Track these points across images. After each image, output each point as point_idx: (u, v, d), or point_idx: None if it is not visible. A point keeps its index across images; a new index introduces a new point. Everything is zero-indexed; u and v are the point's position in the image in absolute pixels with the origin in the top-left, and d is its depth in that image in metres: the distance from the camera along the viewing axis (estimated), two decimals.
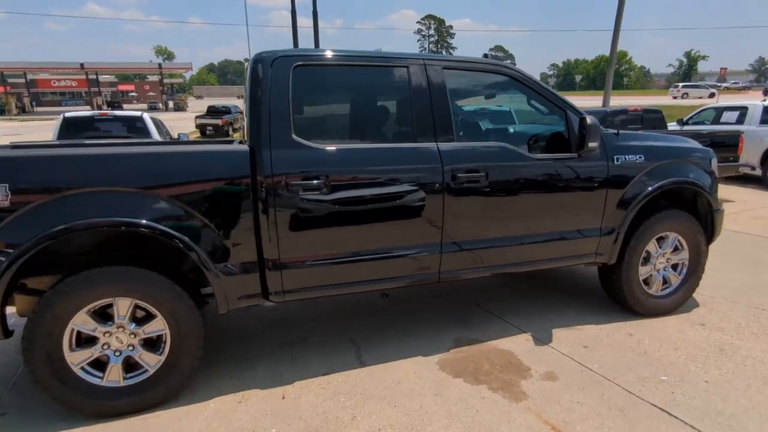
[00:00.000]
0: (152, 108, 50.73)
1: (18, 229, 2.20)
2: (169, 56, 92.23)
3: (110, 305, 2.41)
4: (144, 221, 2.32)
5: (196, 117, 25.45)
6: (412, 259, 2.87)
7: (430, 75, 2.89)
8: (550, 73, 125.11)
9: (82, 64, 46.08)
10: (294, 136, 2.60)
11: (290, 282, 2.68)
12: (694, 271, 3.64)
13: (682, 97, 42.61)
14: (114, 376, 2.46)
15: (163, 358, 2.53)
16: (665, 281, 3.62)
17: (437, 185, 2.81)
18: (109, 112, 9.10)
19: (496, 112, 4.73)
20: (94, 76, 51.34)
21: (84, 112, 9.17)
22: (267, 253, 2.59)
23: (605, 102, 15.32)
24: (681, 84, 50.58)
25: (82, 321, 2.37)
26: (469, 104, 5.18)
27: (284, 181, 2.54)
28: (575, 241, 3.25)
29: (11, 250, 2.18)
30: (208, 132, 24.36)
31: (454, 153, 2.86)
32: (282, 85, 2.62)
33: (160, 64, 47.45)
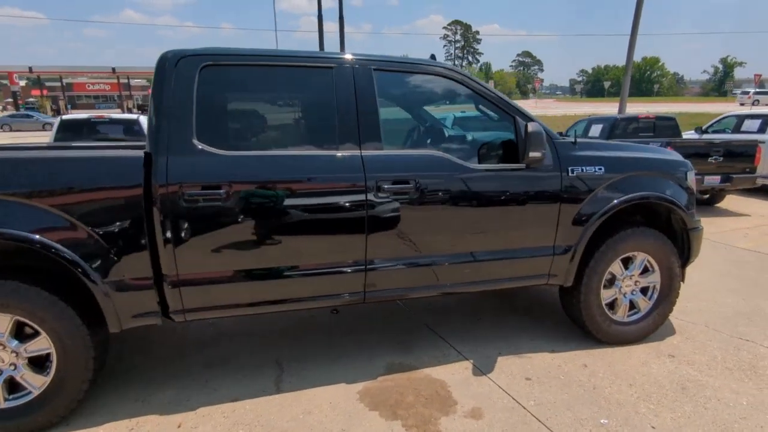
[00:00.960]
0: None
1: None
2: None
3: None
4: (14, 232, 2.15)
5: None
6: (332, 276, 2.63)
7: (357, 77, 2.65)
8: (580, 79, 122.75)
9: (113, 69, 47.45)
10: (195, 142, 2.39)
11: (191, 300, 2.47)
12: (666, 296, 3.27)
13: (753, 104, 39.53)
14: None
15: (48, 378, 2.35)
16: (633, 306, 3.26)
17: (360, 197, 2.56)
18: (105, 114, 9.18)
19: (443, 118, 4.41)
20: (127, 80, 52.94)
21: (80, 114, 9.26)
22: (164, 268, 2.39)
23: (621, 109, 14.71)
24: (752, 90, 47.52)
25: None
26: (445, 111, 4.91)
27: (181, 190, 2.33)
28: (524, 261, 2.94)
29: None
30: None
31: (380, 162, 2.61)
32: (186, 87, 2.42)
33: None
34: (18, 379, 2.33)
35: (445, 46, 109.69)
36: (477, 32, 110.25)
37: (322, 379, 2.79)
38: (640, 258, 3.17)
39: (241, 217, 2.42)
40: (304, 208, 2.52)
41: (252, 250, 2.49)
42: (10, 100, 46.19)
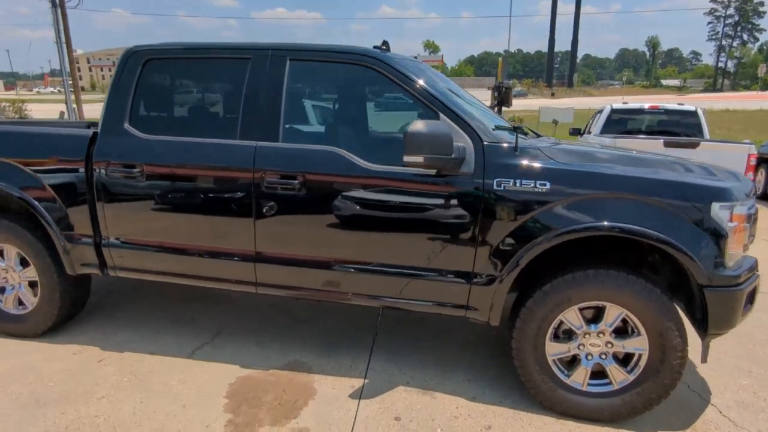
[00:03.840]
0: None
1: None
2: (434, 50, 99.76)
3: None
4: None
5: None
6: (226, 261, 2.74)
7: (270, 67, 2.64)
8: None
9: None
10: (126, 126, 2.79)
11: (118, 260, 2.92)
12: (653, 374, 2.32)
13: None
14: None
15: (36, 300, 3.12)
16: (602, 374, 2.43)
17: (247, 188, 2.58)
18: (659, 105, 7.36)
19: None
20: None
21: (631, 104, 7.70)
22: (101, 230, 2.88)
23: None
24: None
25: None
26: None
27: (109, 165, 2.77)
28: (431, 283, 2.49)
29: None
30: None
31: (271, 154, 2.56)
32: (129, 78, 2.82)
33: (416, 57, 51.77)
34: (20, 296, 3.17)
35: (710, 23, 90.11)
36: (761, 2, 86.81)
37: (228, 357, 2.95)
38: (614, 312, 2.32)
39: (150, 194, 2.74)
40: (202, 192, 2.69)
41: (159, 224, 2.79)
42: None
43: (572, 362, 2.46)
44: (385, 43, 2.83)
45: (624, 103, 7.69)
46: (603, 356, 2.40)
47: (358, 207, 2.49)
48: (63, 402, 2.50)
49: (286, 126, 2.60)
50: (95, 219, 2.87)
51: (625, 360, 2.41)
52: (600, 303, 2.32)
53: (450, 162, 2.29)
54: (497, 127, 2.52)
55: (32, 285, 3.15)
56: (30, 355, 2.96)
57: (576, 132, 9.09)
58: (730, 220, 2.23)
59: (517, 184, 2.30)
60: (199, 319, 3.45)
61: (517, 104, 40.19)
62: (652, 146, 6.27)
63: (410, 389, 2.64)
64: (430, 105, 2.45)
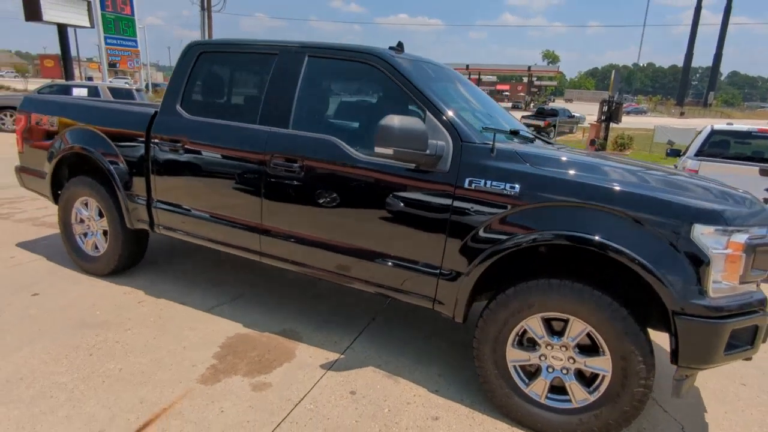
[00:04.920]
0: (514, 107, 54.72)
1: None
2: (553, 60, 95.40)
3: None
4: (86, 145, 3.57)
5: (522, 117, 26.34)
6: (241, 231, 3.10)
7: (290, 62, 2.96)
8: None
9: (467, 66, 54.00)
10: (178, 107, 3.30)
11: (160, 219, 3.45)
12: (615, 397, 2.20)
13: None
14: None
15: (106, 245, 3.81)
16: (560, 389, 2.35)
17: (259, 168, 2.92)
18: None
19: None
20: (478, 76, 59.27)
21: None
22: (152, 192, 3.44)
23: None
24: None
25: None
26: None
27: (161, 139, 3.30)
28: (404, 272, 2.60)
29: None
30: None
31: (279, 139, 2.87)
32: (185, 67, 3.34)
33: (529, 67, 50.33)
34: (96, 241, 3.88)
35: None
36: None
37: (237, 317, 3.33)
38: (578, 327, 2.24)
39: (186, 165, 3.21)
40: (227, 168, 3.08)
41: (192, 192, 3.25)
42: None
43: (534, 372, 2.41)
44: (399, 44, 2.99)
45: (728, 124, 6.83)
46: (564, 371, 2.33)
47: (345, 193, 2.69)
48: (100, 327, 3.06)
49: (297, 115, 2.89)
50: (148, 183, 3.43)
51: (588, 379, 2.31)
52: (563, 315, 2.25)
53: (424, 158, 2.39)
54: (485, 129, 2.55)
55: (104, 233, 3.84)
56: (93, 289, 3.62)
57: (674, 153, 8.24)
58: (723, 247, 2.04)
59: (488, 185, 2.33)
60: (228, 283, 3.90)
61: (633, 121, 36.93)
62: (745, 173, 5.56)
63: (378, 371, 2.78)
64: (420, 103, 2.57)
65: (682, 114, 54.69)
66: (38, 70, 78.19)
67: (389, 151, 2.32)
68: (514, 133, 2.75)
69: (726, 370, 3.18)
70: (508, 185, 2.29)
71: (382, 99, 2.86)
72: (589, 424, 2.26)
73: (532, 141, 2.94)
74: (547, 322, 2.32)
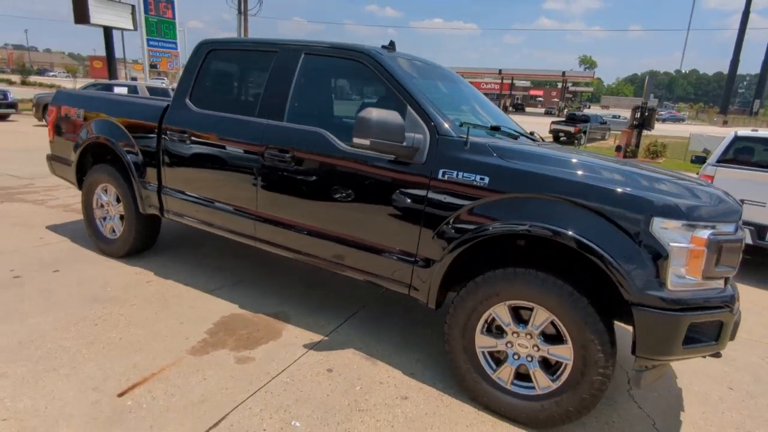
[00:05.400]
0: (547, 113, 53.86)
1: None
2: (590, 65, 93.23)
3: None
4: (106, 135, 3.87)
5: (552, 122, 25.93)
6: (238, 216, 3.30)
7: (287, 60, 3.14)
8: None
9: (500, 71, 53.50)
10: (186, 101, 3.54)
11: (169, 205, 3.69)
12: (575, 385, 2.26)
13: None
14: None
15: (122, 228, 4.09)
16: (524, 376, 2.42)
17: (255, 158, 3.12)
18: None
19: None
20: (511, 81, 58.58)
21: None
22: (162, 179, 3.69)
23: None
24: None
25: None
26: None
27: (171, 130, 3.54)
28: (383, 259, 2.73)
29: None
30: (560, 138, 24.30)
31: (273, 131, 3.05)
32: (195, 64, 3.57)
33: (563, 73, 49.44)
34: (113, 225, 4.17)
35: None
36: None
37: (234, 299, 3.53)
38: (542, 316, 2.31)
39: (192, 155, 3.44)
40: (227, 157, 3.29)
41: (196, 180, 3.48)
42: None
43: (502, 359, 2.49)
44: (391, 43, 3.13)
45: (753, 130, 6.62)
46: (529, 358, 2.40)
47: (330, 182, 2.84)
48: (108, 302, 3.31)
49: (291, 108, 3.06)
50: (159, 171, 3.68)
51: (552, 367, 2.37)
52: (528, 303, 2.33)
53: (401, 149, 2.52)
54: (463, 124, 2.65)
55: (121, 218, 4.13)
56: (108, 269, 3.91)
57: (699, 160, 8.03)
58: (684, 241, 2.09)
59: (459, 176, 2.44)
60: (232, 268, 4.12)
61: (670, 129, 35.67)
62: (762, 179, 5.42)
63: (358, 353, 2.91)
64: (402, 98, 2.69)
65: (725, 123, 52.41)
66: (88, 71, 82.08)
67: (366, 141, 2.46)
68: (495, 129, 2.83)
69: (716, 373, 3.17)
70: (478, 177, 2.39)
71: (370, 94, 3.00)
72: (550, 411, 2.33)
73: (515, 138, 3.02)
74: (514, 311, 2.40)
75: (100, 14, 19.83)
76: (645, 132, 18.87)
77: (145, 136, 3.73)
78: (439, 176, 2.48)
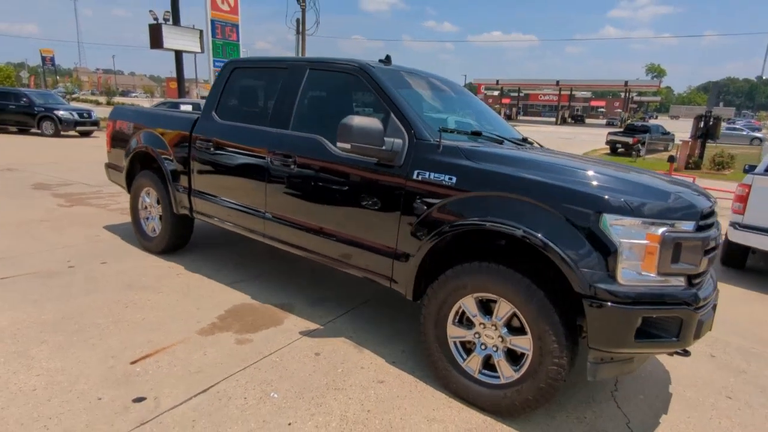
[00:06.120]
0: (609, 123, 51.73)
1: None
2: (659, 73, 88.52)
3: None
4: (149, 144, 4.40)
5: (609, 133, 24.98)
6: (250, 216, 3.67)
7: (295, 74, 3.49)
8: None
9: (557, 81, 52.20)
10: (213, 113, 3.99)
11: (197, 206, 4.14)
12: (533, 373, 2.37)
13: None
14: None
15: (160, 227, 4.61)
16: (491, 365, 2.56)
17: (265, 163, 3.48)
18: None
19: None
20: (570, 92, 56.94)
21: None
22: (192, 183, 4.16)
23: None
24: None
25: None
26: None
27: (198, 139, 4.00)
28: (369, 254, 2.96)
29: None
30: (618, 149, 23.36)
31: (278, 139, 3.40)
32: (222, 80, 4.03)
33: (626, 82, 47.40)
34: (154, 224, 4.70)
35: None
36: None
37: (248, 291, 3.88)
38: (505, 307, 2.45)
39: (214, 160, 3.86)
40: (244, 162, 3.68)
41: (217, 183, 3.90)
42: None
43: (472, 349, 2.64)
44: (387, 57, 3.40)
45: None
46: (494, 348, 2.53)
47: (325, 184, 3.13)
48: (140, 290, 3.78)
49: (296, 118, 3.40)
50: (189, 175, 4.15)
51: (516, 357, 2.49)
52: (492, 296, 2.48)
53: (381, 152, 2.76)
54: (443, 129, 2.85)
55: (160, 218, 4.65)
56: (146, 262, 4.41)
57: (751, 169, 7.60)
58: (637, 238, 2.16)
59: (431, 177, 2.64)
60: (255, 266, 4.51)
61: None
62: None
63: (348, 341, 3.15)
64: (387, 106, 2.94)
65: None
66: (164, 91, 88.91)
67: (347, 145, 2.73)
68: (476, 134, 3.01)
69: (719, 383, 3.09)
70: (447, 176, 2.58)
71: (363, 102, 3.27)
72: (511, 399, 2.44)
73: (500, 143, 3.16)
74: (482, 303, 2.55)
75: (171, 40, 21.68)
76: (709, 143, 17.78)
77: (178, 145, 4.22)
78: (414, 176, 2.70)
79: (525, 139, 3.57)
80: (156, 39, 21.25)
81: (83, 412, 2.25)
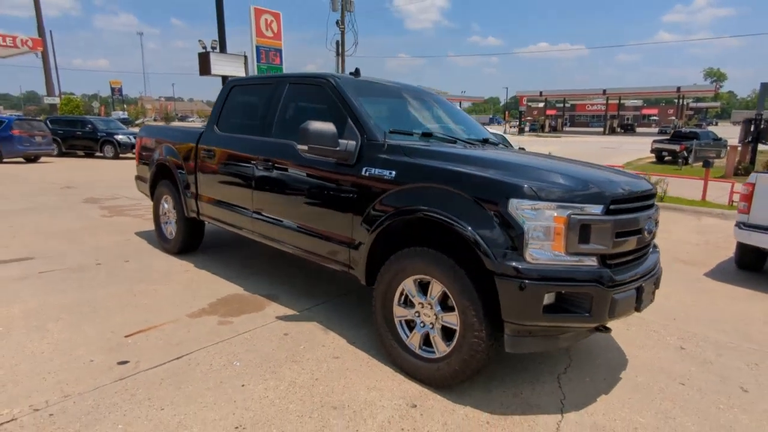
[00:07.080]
0: (661, 132, 49.56)
1: None
2: (718, 78, 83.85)
3: None
4: (166, 156, 5.00)
5: (654, 141, 24.09)
6: (242, 216, 4.12)
7: (278, 89, 3.95)
8: None
9: (604, 91, 50.74)
10: (214, 126, 4.52)
11: (203, 210, 4.66)
12: (459, 347, 2.61)
13: None
14: None
15: (175, 229, 5.18)
16: (428, 342, 2.81)
17: (251, 167, 3.93)
18: None
19: None
20: (618, 101, 55.11)
21: None
22: (198, 188, 4.69)
23: None
24: None
25: None
26: None
27: (202, 149, 4.54)
28: (330, 244, 3.31)
29: None
30: (664, 157, 22.51)
31: (260, 146, 3.86)
32: (222, 97, 4.56)
33: (678, 88, 45.39)
34: (171, 228, 5.28)
35: None
36: None
37: (242, 283, 4.32)
38: (438, 287, 2.71)
39: (214, 168, 4.37)
40: (234, 168, 4.15)
41: (217, 188, 4.39)
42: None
43: (414, 327, 2.90)
44: (356, 70, 3.79)
45: None
46: (431, 326, 2.79)
47: (296, 183, 3.53)
48: (151, 282, 4.30)
49: (276, 126, 3.84)
50: (196, 181, 4.68)
51: (449, 333, 2.73)
52: (426, 277, 2.75)
53: (336, 153, 3.11)
54: (392, 131, 3.17)
55: (176, 222, 5.21)
56: (162, 261, 4.97)
57: None
58: (544, 219, 2.38)
59: (375, 172, 2.96)
60: (258, 265, 4.95)
61: None
62: None
63: (317, 326, 3.48)
64: (345, 112, 3.31)
65: None
66: None
67: (305, 147, 3.11)
68: (427, 135, 3.32)
69: (678, 372, 3.12)
70: (387, 171, 2.90)
71: (330, 110, 3.64)
72: (442, 371, 2.68)
73: (453, 143, 3.44)
74: (420, 284, 2.82)
75: (218, 66, 23.24)
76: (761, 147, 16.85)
77: (187, 155, 4.77)
78: (363, 173, 3.03)
79: (486, 140, 3.81)
80: (204, 66, 22.85)
81: (76, 370, 2.72)
